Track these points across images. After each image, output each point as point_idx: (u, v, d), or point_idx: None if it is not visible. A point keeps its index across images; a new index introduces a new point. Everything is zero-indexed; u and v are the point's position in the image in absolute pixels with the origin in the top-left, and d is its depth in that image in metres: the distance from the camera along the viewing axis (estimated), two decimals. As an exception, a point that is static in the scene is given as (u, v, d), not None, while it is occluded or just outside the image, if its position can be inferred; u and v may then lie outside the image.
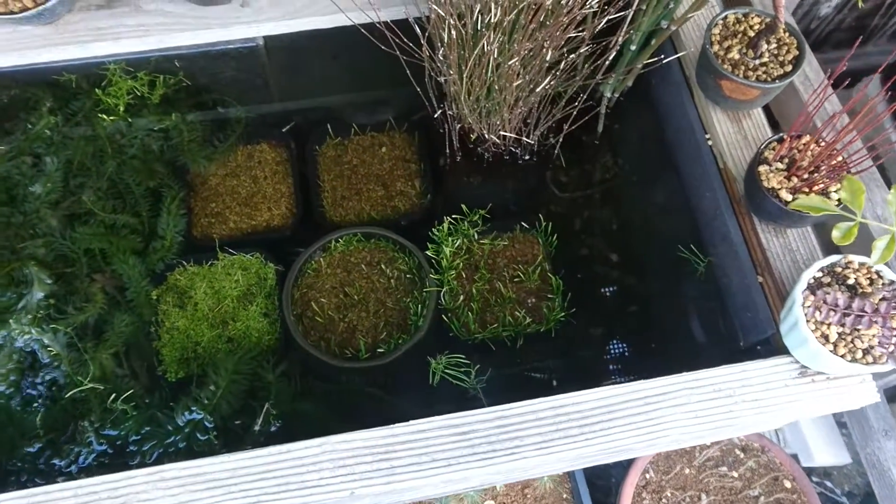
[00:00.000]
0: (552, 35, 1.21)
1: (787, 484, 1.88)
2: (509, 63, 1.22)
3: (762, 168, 1.22)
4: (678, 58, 1.46)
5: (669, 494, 1.89)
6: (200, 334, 1.42)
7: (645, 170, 1.58)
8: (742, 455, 1.93)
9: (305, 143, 1.62)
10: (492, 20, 1.18)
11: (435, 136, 1.60)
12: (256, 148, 1.62)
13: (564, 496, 1.92)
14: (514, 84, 1.25)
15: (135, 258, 1.41)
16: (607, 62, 1.31)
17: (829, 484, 2.11)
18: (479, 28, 1.23)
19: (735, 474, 1.93)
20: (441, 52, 1.24)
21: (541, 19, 1.17)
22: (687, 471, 1.91)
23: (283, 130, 1.64)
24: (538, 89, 1.27)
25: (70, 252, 1.40)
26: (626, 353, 1.44)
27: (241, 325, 1.43)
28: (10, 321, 1.30)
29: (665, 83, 1.51)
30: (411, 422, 1.15)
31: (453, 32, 1.21)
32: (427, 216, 1.53)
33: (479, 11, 1.18)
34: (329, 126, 1.61)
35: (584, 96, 1.40)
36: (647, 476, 1.90)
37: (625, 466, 1.86)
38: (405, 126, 1.63)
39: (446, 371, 1.34)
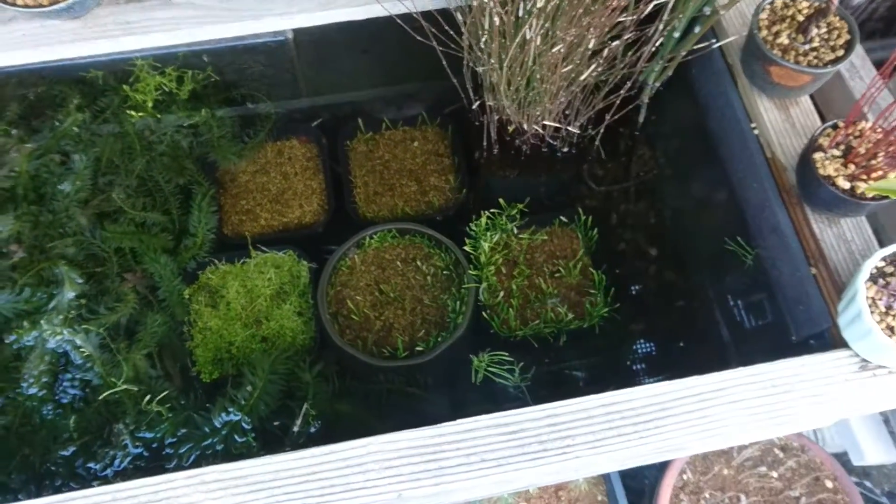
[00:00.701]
0: (597, 21, 1.17)
1: (829, 484, 1.83)
2: (553, 50, 1.18)
3: (817, 155, 1.17)
4: (720, 46, 1.42)
5: (708, 496, 1.84)
6: (234, 334, 1.38)
7: (686, 161, 1.54)
8: (782, 454, 1.88)
9: (335, 138, 1.59)
10: (535, 5, 1.14)
11: (469, 129, 1.57)
12: (286, 144, 1.59)
13: (599, 498, 1.87)
14: (558, 73, 1.21)
15: (166, 257, 1.38)
16: (653, 49, 1.27)
17: (868, 484, 2.05)
18: (521, 15, 1.20)
19: (775, 474, 1.88)
20: (483, 39, 1.20)
21: (586, 3, 1.14)
22: (725, 471, 1.86)
23: (313, 125, 1.60)
24: (581, 77, 1.23)
25: (100, 251, 1.37)
26: (673, 349, 1.40)
27: (274, 325, 1.39)
28: (42, 322, 1.26)
29: (706, 72, 1.47)
30: (459, 421, 1.11)
31: (496, 19, 1.17)
32: (462, 211, 1.49)
33: (522, -3, 1.15)
34: (360, 121, 1.58)
35: (629, 85, 1.36)
36: (685, 477, 1.85)
37: (658, 467, 1.81)
38: (437, 120, 1.60)
39: (489, 369, 1.30)
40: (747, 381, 1.15)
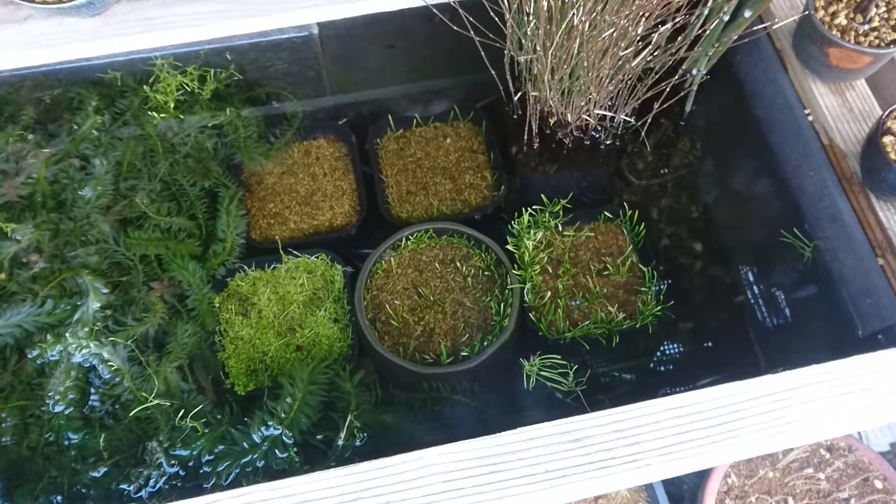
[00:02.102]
0: (648, 4, 1.11)
1: (879, 484, 1.76)
2: (603, 35, 1.12)
3: (887, 139, 1.11)
4: (768, 31, 1.36)
5: (754, 500, 1.77)
6: (267, 343, 1.31)
7: (731, 151, 1.48)
8: (828, 455, 1.81)
9: (364, 136, 1.53)
10: (585, -12, 1.08)
11: (504, 123, 1.50)
12: (313, 143, 1.52)
13: (640, 505, 1.80)
14: (607, 58, 1.15)
15: (194, 263, 1.31)
16: (702, 32, 1.21)
17: (916, 483, 1.98)
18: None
19: (822, 476, 1.81)
20: (531, 25, 1.14)
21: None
22: (771, 474, 1.79)
23: (340, 123, 1.54)
24: (633, 63, 1.17)
25: (125, 259, 1.30)
26: (723, 348, 1.33)
27: (309, 333, 1.32)
28: (66, 335, 1.19)
29: (752, 58, 1.41)
30: (519, 429, 1.04)
31: (544, 3, 1.11)
32: (501, 209, 1.43)
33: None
34: (390, 118, 1.51)
35: (680, 71, 1.30)
36: (729, 481, 1.78)
37: (699, 472, 1.74)
38: (470, 115, 1.53)
39: (541, 373, 1.23)
40: (821, 380, 1.08)
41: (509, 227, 1.37)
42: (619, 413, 1.05)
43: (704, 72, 1.37)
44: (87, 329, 1.21)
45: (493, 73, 1.33)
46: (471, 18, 1.26)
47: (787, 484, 1.78)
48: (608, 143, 1.44)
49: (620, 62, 1.21)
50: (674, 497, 1.90)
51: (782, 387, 1.07)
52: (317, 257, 1.39)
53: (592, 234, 1.40)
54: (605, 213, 1.40)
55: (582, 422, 1.05)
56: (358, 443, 1.17)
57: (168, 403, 1.18)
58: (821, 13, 1.22)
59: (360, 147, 1.52)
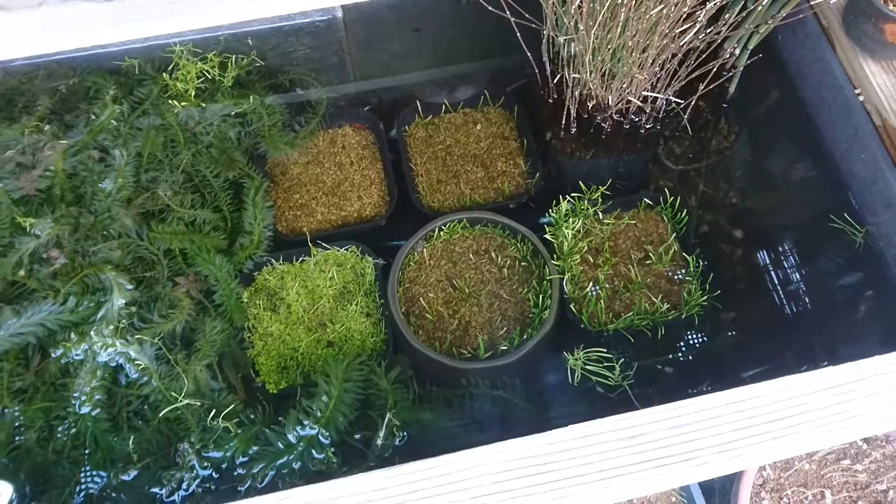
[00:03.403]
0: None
1: (919, 476, 1.72)
2: (652, 12, 1.07)
3: (951, 118, 1.06)
4: (813, 8, 1.30)
5: (790, 493, 1.73)
6: (297, 339, 1.26)
7: (774, 134, 1.42)
8: (865, 446, 1.76)
9: (391, 123, 1.47)
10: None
11: (537, 108, 1.45)
12: (339, 132, 1.47)
13: (674, 499, 1.76)
14: (656, 36, 1.09)
15: (221, 257, 1.26)
16: (755, 9, 1.15)
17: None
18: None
19: (859, 468, 1.76)
20: (577, 4, 1.09)
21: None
22: (807, 466, 1.74)
23: (366, 110, 1.48)
24: (682, 42, 1.12)
25: (148, 254, 1.25)
26: (777, 338, 1.28)
27: (340, 328, 1.27)
28: (91, 333, 1.14)
29: (797, 36, 1.35)
30: (570, 427, 0.99)
31: (589, -21, 1.05)
32: (536, 196, 1.37)
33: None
34: (418, 104, 1.46)
35: (728, 51, 1.24)
36: (765, 473, 1.74)
37: (733, 465, 1.70)
38: (501, 100, 1.48)
39: (585, 367, 1.18)
40: (885, 371, 1.03)
41: (547, 214, 1.32)
42: (675, 408, 1.00)
43: (749, 50, 1.31)
44: (111, 327, 1.16)
45: (528, 55, 1.27)
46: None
47: (824, 476, 1.73)
48: (648, 126, 1.38)
49: (665, 41, 1.16)
50: (706, 489, 1.85)
51: (844, 379, 1.02)
52: (346, 249, 1.34)
53: (632, 221, 1.34)
54: (646, 199, 1.35)
55: (637, 418, 1.00)
56: (398, 442, 1.12)
57: (198, 403, 1.13)
58: (876, -13, 1.16)
59: (387, 134, 1.47)
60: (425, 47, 1.55)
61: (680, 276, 1.29)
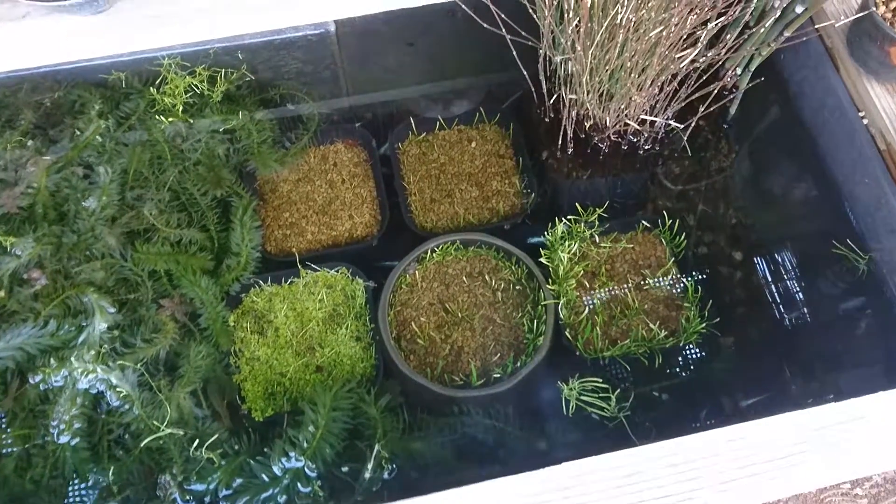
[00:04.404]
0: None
1: (919, 501, 1.69)
2: (652, 34, 1.04)
3: (959, 146, 1.03)
4: (816, 28, 1.27)
5: (789, 517, 1.70)
6: (285, 364, 1.23)
7: (774, 155, 1.39)
8: (865, 470, 1.74)
9: (384, 139, 1.44)
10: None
11: (532, 126, 1.42)
12: (331, 148, 1.43)
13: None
14: (655, 58, 1.06)
15: (207, 279, 1.22)
16: (759, 30, 1.12)
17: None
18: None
19: (860, 492, 1.73)
20: (574, 24, 1.05)
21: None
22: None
23: (358, 126, 1.45)
24: (683, 64, 1.08)
25: (132, 275, 1.21)
26: (777, 366, 1.24)
27: (330, 352, 1.24)
28: (72, 358, 1.11)
29: (799, 56, 1.32)
30: (564, 464, 0.96)
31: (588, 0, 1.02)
32: (530, 217, 1.34)
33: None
34: (412, 121, 1.43)
35: (730, 73, 1.21)
36: (763, 497, 1.71)
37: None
38: (496, 117, 1.44)
39: (581, 398, 1.15)
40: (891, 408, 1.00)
41: (542, 237, 1.29)
42: (673, 445, 0.97)
43: (752, 71, 1.28)
44: (93, 352, 1.13)
45: (524, 73, 1.24)
46: (502, 15, 1.18)
47: (824, 500, 1.71)
48: (647, 147, 1.35)
49: (665, 63, 1.13)
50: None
51: (848, 416, 0.99)
52: (336, 271, 1.30)
53: (630, 245, 1.31)
54: (644, 222, 1.32)
55: (633, 455, 0.97)
56: (386, 475, 1.09)
57: (181, 432, 1.10)
58: (882, 9, 1.13)
59: (380, 151, 1.43)
60: (419, 62, 1.52)
61: (678, 302, 1.26)
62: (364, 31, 1.42)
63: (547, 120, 1.38)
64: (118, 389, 1.11)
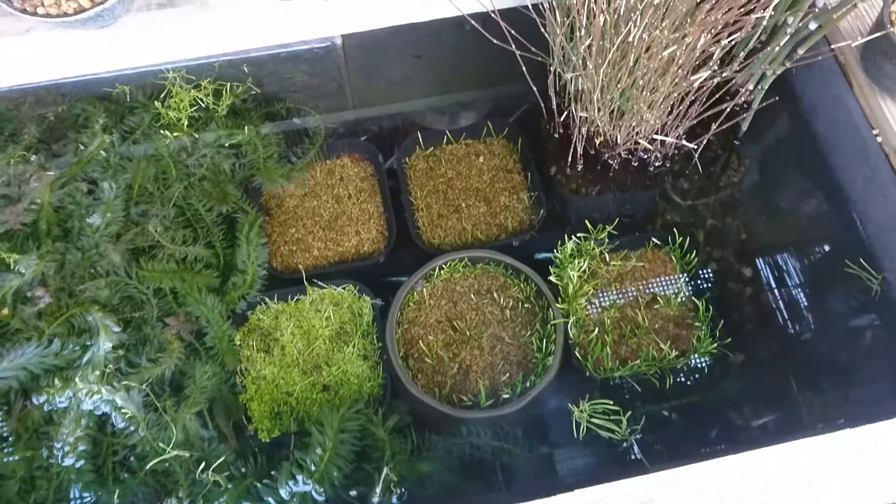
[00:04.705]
0: (715, 18, 1.01)
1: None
2: (665, 52, 1.02)
3: (977, 168, 1.01)
4: (832, 48, 1.25)
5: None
6: (291, 383, 1.22)
7: (786, 173, 1.38)
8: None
9: (390, 153, 1.42)
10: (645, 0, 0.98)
11: (541, 140, 1.40)
12: (337, 162, 1.42)
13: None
14: (668, 77, 1.05)
15: (213, 297, 1.21)
16: (773, 48, 1.11)
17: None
18: (622, 12, 1.03)
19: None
20: (586, 43, 1.04)
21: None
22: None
23: (364, 140, 1.43)
24: (697, 82, 1.07)
25: (137, 293, 1.20)
26: (787, 385, 1.23)
27: (336, 371, 1.23)
28: (76, 379, 1.10)
29: (812, 73, 1.31)
30: (577, 491, 0.95)
31: (600, 18, 1.00)
32: (539, 234, 1.33)
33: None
34: (419, 135, 1.41)
35: (744, 91, 1.20)
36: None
37: None
38: (504, 131, 1.43)
39: (591, 420, 1.13)
40: (903, 433, 0.99)
41: (551, 253, 1.28)
42: (688, 471, 0.96)
43: (762, 88, 1.27)
44: (98, 372, 1.12)
45: (533, 87, 1.22)
46: (512, 31, 1.16)
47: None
48: (657, 164, 1.33)
49: (677, 81, 1.11)
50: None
51: (863, 443, 0.98)
52: (343, 288, 1.29)
53: (640, 263, 1.30)
54: (653, 238, 1.30)
55: (647, 482, 0.96)
56: (395, 499, 1.08)
57: (187, 454, 1.08)
58: (897, 27, 1.12)
59: (387, 166, 1.42)
60: (426, 74, 1.50)
61: (689, 321, 1.25)
62: (371, 43, 1.41)
63: (556, 135, 1.36)
64: (123, 410, 1.10)
